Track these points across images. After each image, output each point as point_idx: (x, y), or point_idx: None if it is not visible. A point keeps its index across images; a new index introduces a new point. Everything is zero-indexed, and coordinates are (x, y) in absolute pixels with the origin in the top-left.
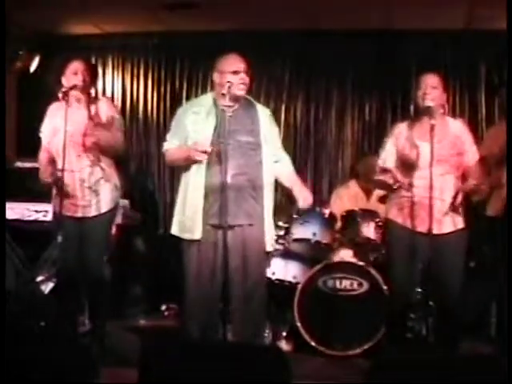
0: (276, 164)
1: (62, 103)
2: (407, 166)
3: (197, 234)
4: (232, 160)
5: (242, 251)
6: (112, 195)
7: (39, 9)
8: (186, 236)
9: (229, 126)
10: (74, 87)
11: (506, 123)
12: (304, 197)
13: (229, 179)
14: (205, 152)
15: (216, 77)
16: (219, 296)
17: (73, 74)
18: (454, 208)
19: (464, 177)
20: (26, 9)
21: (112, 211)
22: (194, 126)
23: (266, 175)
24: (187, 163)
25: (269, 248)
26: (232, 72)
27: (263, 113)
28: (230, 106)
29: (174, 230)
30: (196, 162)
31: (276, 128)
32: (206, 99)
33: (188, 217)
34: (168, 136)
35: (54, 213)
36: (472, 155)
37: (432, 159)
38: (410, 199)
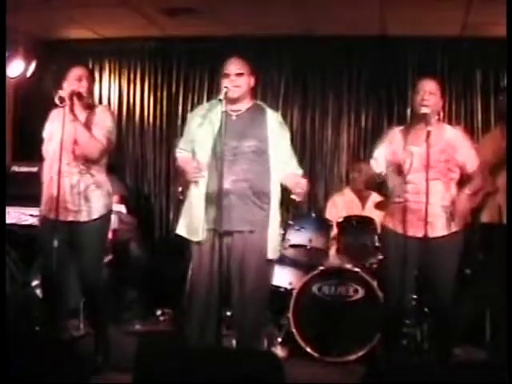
0: (283, 171)
1: (62, 109)
2: (398, 170)
3: (199, 237)
4: (233, 166)
5: (242, 257)
6: (104, 202)
7: (36, 14)
8: (193, 238)
9: (231, 131)
10: (73, 93)
11: (506, 128)
12: (297, 182)
13: (229, 185)
14: (199, 171)
15: (220, 81)
16: (217, 301)
17: (77, 80)
18: (452, 215)
19: (463, 183)
20: (22, 13)
21: (104, 217)
22: (198, 129)
23: (273, 182)
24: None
25: (270, 256)
26: (226, 74)
27: (273, 118)
28: (234, 110)
29: (181, 231)
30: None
31: (287, 134)
32: (214, 103)
33: (192, 219)
34: (180, 142)
35: (44, 217)
36: (471, 162)
37: (426, 165)
38: (402, 204)
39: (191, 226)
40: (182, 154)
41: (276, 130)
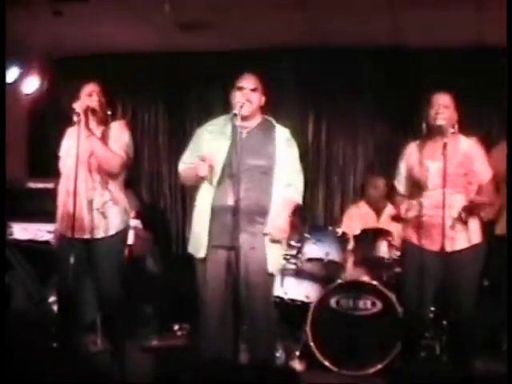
0: (287, 188)
1: (77, 125)
2: (417, 185)
3: (202, 253)
4: (240, 183)
5: (245, 273)
6: (120, 218)
7: (49, 30)
8: (195, 254)
9: (241, 148)
10: (88, 109)
11: (507, 136)
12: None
13: (234, 203)
14: (209, 166)
15: (232, 96)
16: (229, 316)
17: (88, 95)
18: (461, 222)
19: (476, 195)
20: (36, 30)
21: (121, 233)
22: (208, 145)
23: (275, 200)
24: (196, 180)
25: (271, 269)
26: (240, 87)
27: (281, 134)
28: (244, 127)
29: (189, 248)
30: (202, 178)
31: (294, 150)
32: (223, 119)
33: (196, 236)
34: (184, 156)
35: (61, 235)
36: (484, 173)
37: (444, 178)
38: (422, 218)
39: (195, 241)
40: (186, 165)
41: (283, 146)
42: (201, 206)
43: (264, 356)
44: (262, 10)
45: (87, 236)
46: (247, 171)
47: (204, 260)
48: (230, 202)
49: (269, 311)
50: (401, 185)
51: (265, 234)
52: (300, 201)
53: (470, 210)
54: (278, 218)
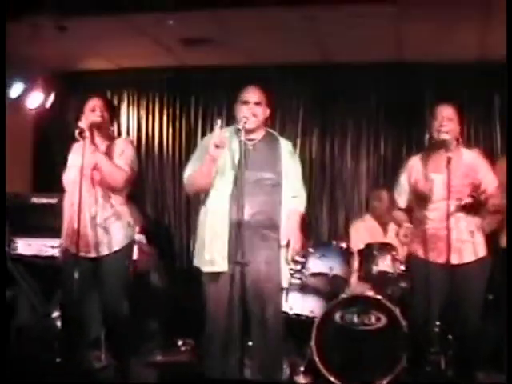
0: (292, 199)
1: (83, 140)
2: (421, 199)
3: (217, 267)
4: (252, 197)
5: (257, 288)
6: (124, 233)
7: (53, 45)
8: (206, 269)
9: (249, 160)
10: (92, 124)
11: (507, 150)
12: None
13: (248, 217)
14: (217, 146)
15: (236, 110)
16: (237, 331)
17: (91, 110)
18: (465, 207)
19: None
20: (40, 44)
21: (125, 249)
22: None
23: (284, 213)
24: (209, 172)
25: (285, 284)
26: (245, 102)
27: (285, 147)
28: (250, 140)
29: (196, 262)
30: (214, 158)
31: (297, 162)
32: (229, 131)
33: (209, 250)
34: (188, 165)
35: (66, 250)
36: (490, 183)
37: (447, 192)
38: (428, 232)
39: (208, 256)
40: (190, 172)
41: (288, 159)
42: (216, 219)
43: (273, 370)
44: (265, 26)
45: (92, 254)
46: (258, 184)
47: (212, 275)
48: (243, 216)
49: (279, 325)
50: (401, 198)
51: (281, 246)
52: (303, 210)
53: (474, 201)
54: (289, 228)
